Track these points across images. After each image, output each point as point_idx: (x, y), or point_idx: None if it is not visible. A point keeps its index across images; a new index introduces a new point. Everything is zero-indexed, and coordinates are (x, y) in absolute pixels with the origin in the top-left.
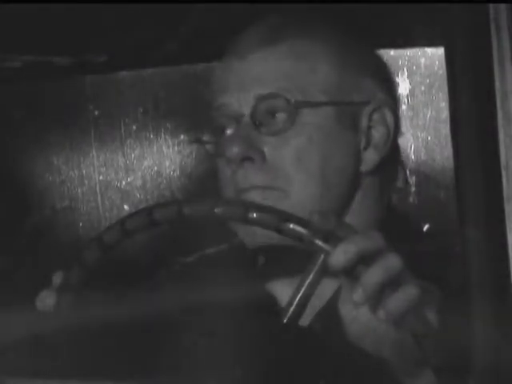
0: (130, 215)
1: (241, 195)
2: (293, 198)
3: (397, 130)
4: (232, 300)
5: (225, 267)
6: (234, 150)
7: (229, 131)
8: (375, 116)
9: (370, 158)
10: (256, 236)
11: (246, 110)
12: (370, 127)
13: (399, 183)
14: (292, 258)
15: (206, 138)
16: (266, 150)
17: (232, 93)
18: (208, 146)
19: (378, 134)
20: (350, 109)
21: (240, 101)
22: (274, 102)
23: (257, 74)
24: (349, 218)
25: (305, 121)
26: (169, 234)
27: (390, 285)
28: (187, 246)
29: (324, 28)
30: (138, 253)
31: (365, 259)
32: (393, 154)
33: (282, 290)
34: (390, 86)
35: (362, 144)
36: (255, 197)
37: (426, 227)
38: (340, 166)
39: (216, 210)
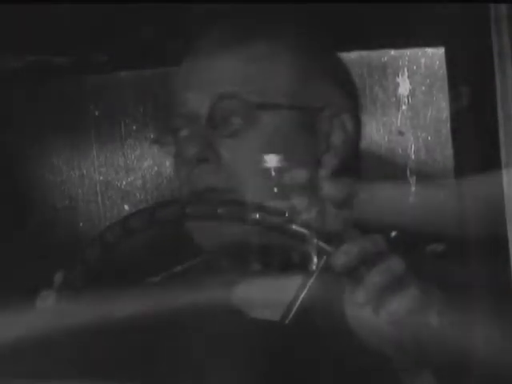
0: (133, 214)
1: (195, 196)
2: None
3: (357, 135)
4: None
5: (192, 284)
6: (190, 151)
7: (186, 131)
8: (334, 121)
9: (330, 162)
10: (213, 236)
11: (204, 111)
12: (329, 132)
13: None
14: (255, 255)
15: (164, 139)
16: (222, 151)
17: (191, 92)
18: (166, 148)
19: (336, 139)
20: (309, 113)
21: (198, 101)
22: (232, 103)
23: (217, 74)
24: None
25: (263, 123)
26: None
27: (392, 286)
28: (153, 266)
29: (288, 31)
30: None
31: (367, 261)
32: (354, 159)
33: (251, 293)
34: (351, 91)
35: (322, 148)
36: (209, 198)
37: (393, 234)
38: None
39: (219, 210)
